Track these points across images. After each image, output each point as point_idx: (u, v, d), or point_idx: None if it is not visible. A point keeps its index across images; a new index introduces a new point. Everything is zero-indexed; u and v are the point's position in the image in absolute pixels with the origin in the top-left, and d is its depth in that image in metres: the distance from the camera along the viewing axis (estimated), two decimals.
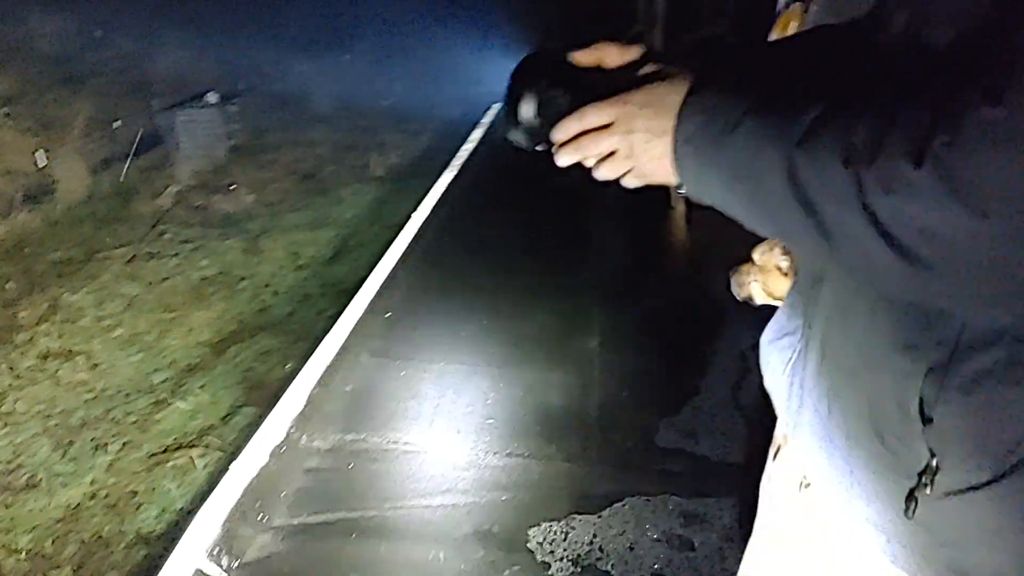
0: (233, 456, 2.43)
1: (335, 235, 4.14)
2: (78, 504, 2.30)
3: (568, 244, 3.85)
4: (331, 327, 3.13)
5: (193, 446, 2.53)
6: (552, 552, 2.11)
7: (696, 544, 2.11)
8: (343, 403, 2.74)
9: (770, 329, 0.98)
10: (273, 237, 4.10)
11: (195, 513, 2.18)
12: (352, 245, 4.00)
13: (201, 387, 2.82)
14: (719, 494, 2.28)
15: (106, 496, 2.33)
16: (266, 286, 3.58)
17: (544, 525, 2.19)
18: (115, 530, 2.21)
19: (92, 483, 2.38)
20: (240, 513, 2.22)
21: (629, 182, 0.78)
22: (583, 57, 0.77)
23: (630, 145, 0.73)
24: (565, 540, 2.15)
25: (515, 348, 3.02)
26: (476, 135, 5.48)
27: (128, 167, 4.96)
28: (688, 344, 3.01)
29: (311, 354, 2.96)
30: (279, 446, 2.48)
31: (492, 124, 5.73)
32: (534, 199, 4.37)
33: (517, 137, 0.79)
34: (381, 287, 3.46)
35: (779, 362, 0.93)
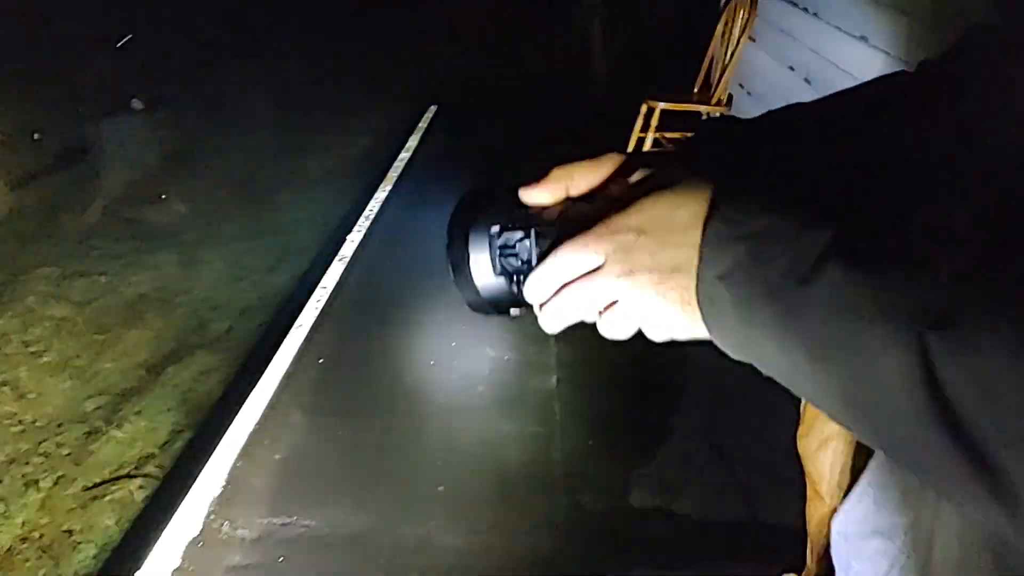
0: (169, 491, 2.26)
1: (274, 243, 4.01)
2: (9, 548, 2.16)
3: None
4: (269, 354, 2.90)
5: (131, 477, 2.40)
6: None
7: None
8: (270, 477, 2.35)
9: (848, 515, 0.73)
10: (209, 248, 3.95)
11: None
12: (292, 253, 3.87)
13: (137, 413, 2.69)
14: (706, 562, 2.09)
15: (40, 537, 2.20)
16: (203, 301, 3.44)
17: None
18: (51, 575, 2.08)
19: (23, 524, 2.24)
20: None
21: (653, 336, 0.51)
22: (538, 195, 0.55)
23: (633, 291, 0.49)
24: None
25: (467, 394, 2.74)
26: (413, 142, 5.36)
27: (51, 181, 4.74)
28: (653, 380, 2.82)
29: (231, 417, 2.58)
30: (196, 539, 2.12)
31: (428, 129, 5.61)
32: None
33: (479, 305, 0.60)
34: (312, 328, 3.11)
35: (868, 572, 0.70)
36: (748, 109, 4.64)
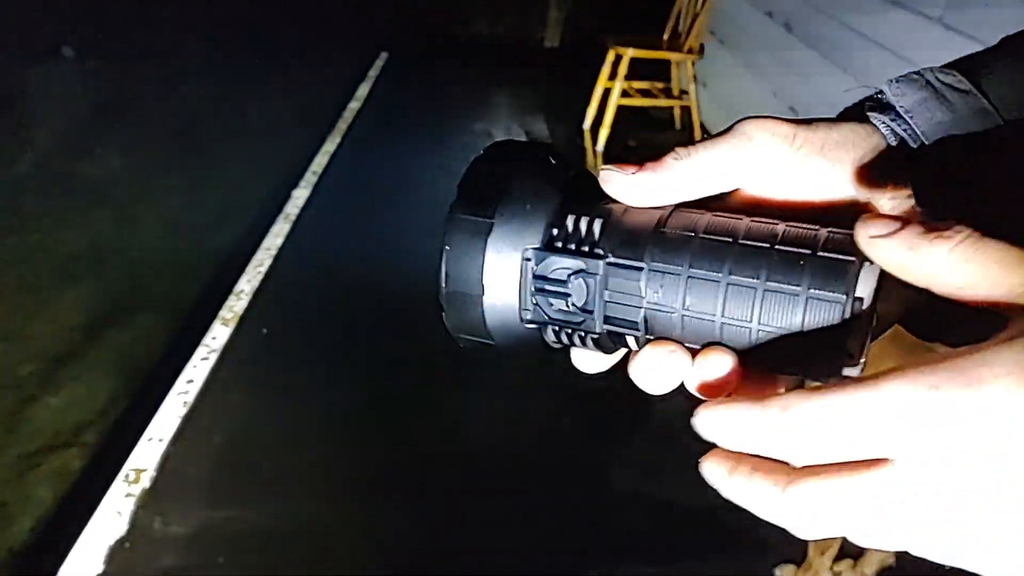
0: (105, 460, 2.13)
1: (215, 199, 3.87)
2: None
3: None
4: (208, 324, 2.71)
5: (68, 446, 2.31)
6: None
7: None
8: (208, 465, 2.13)
9: None
10: (146, 205, 3.80)
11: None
12: (235, 209, 3.74)
13: (74, 378, 2.59)
14: (698, 554, 1.98)
15: None
16: (141, 261, 3.31)
17: None
18: None
19: None
20: None
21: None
22: (642, 191, 0.36)
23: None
24: None
25: (431, 372, 2.52)
26: (363, 91, 5.21)
27: None
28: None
29: (163, 395, 2.35)
30: (122, 540, 1.89)
31: (378, 79, 5.44)
32: (433, 164, 4.21)
33: (483, 348, 0.38)
34: (255, 293, 2.90)
35: None
36: (722, 59, 4.59)
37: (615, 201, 0.36)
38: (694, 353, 0.34)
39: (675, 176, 0.35)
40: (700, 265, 0.32)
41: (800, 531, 0.30)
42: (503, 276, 0.35)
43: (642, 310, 0.33)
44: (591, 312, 0.34)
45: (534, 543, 2.02)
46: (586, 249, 0.34)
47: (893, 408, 0.26)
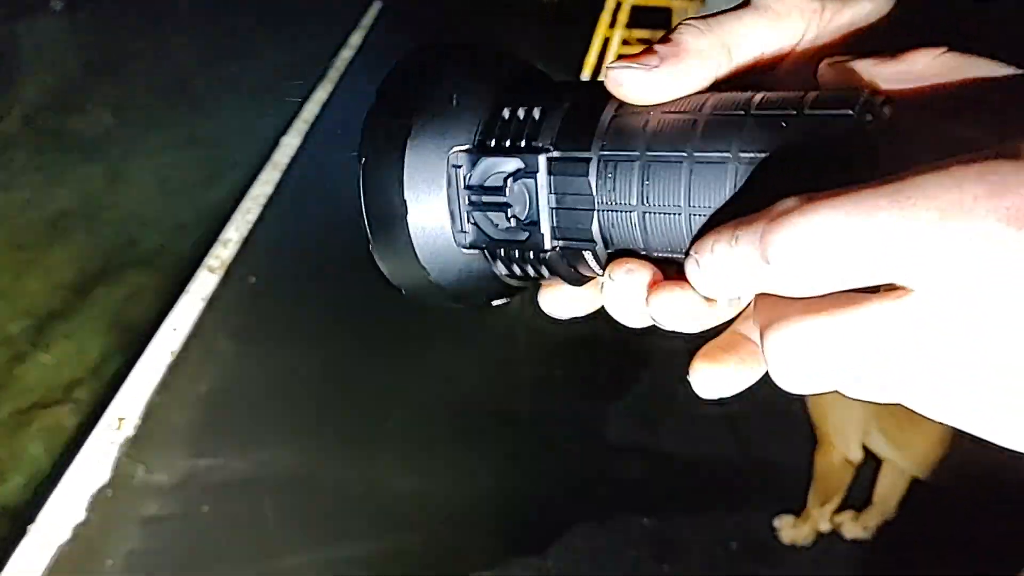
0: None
1: (206, 155, 3.81)
2: None
3: None
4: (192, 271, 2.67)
5: (60, 403, 2.29)
6: None
7: None
8: (193, 413, 2.10)
9: None
10: (138, 161, 3.75)
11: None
12: (226, 166, 3.69)
13: (65, 335, 2.56)
14: (691, 505, 1.94)
15: None
16: (133, 217, 3.27)
17: None
18: None
19: None
20: None
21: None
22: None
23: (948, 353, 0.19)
24: None
25: (422, 318, 2.41)
26: (356, 39, 5.12)
27: None
28: None
29: (145, 343, 2.32)
30: (104, 488, 1.86)
31: (372, 28, 5.35)
32: None
33: (426, 293, 0.32)
34: (243, 241, 2.86)
35: None
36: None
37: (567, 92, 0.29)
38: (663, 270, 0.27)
39: (698, 61, 0.27)
40: (659, 146, 0.25)
41: (783, 375, 0.22)
42: (429, 188, 0.29)
43: (594, 213, 0.26)
44: (536, 224, 0.27)
45: (527, 492, 2.01)
46: (523, 144, 0.28)
47: (924, 227, 0.19)
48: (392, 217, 0.30)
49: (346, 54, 4.86)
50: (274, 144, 3.75)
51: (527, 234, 0.28)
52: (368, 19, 5.49)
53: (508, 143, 0.28)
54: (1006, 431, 0.20)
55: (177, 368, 2.28)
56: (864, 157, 0.22)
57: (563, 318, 0.33)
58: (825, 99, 0.23)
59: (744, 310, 0.28)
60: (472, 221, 0.29)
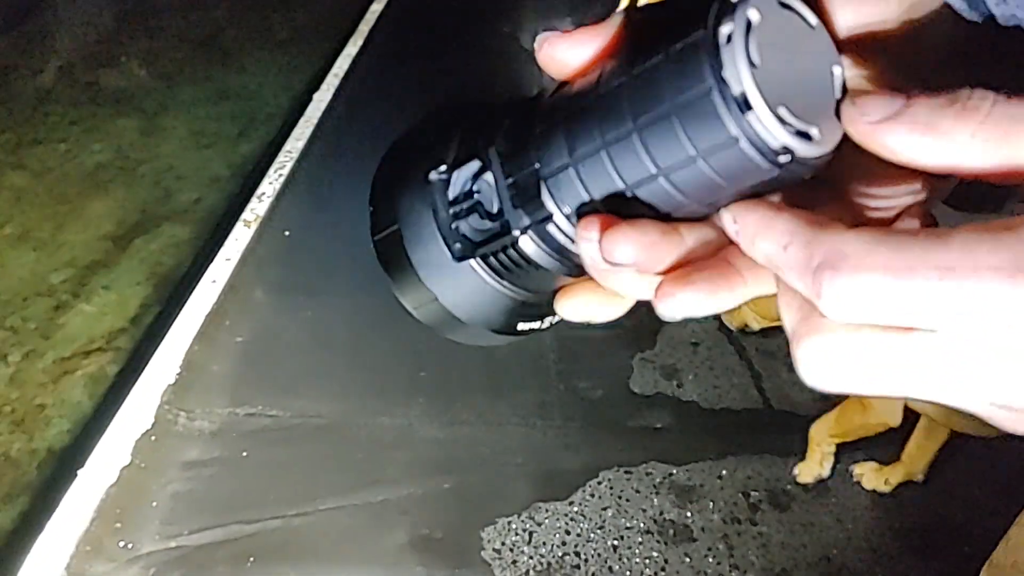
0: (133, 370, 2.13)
1: (240, 108, 3.83)
2: None
3: None
4: (230, 227, 2.69)
5: (102, 351, 2.36)
6: (515, 562, 1.70)
7: (695, 531, 1.77)
8: (232, 363, 2.15)
9: None
10: (172, 114, 3.78)
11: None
12: (260, 119, 3.71)
13: (105, 286, 2.62)
14: (715, 454, 1.96)
15: (11, 411, 2.18)
16: (169, 169, 3.31)
17: (501, 523, 1.78)
18: (24, 448, 2.06)
19: None
20: (91, 540, 1.70)
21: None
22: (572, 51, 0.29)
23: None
24: (529, 543, 1.74)
25: None
26: None
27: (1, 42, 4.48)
28: None
29: (186, 295, 2.37)
30: (147, 433, 1.93)
31: None
32: (458, 66, 4.11)
33: (446, 323, 0.36)
34: (277, 195, 2.88)
35: None
36: None
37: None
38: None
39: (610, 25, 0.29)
40: (575, 124, 0.27)
41: (812, 379, 0.24)
42: (420, 215, 0.32)
43: (541, 182, 0.28)
44: (502, 212, 0.30)
45: (554, 440, 2.05)
46: (480, 146, 0.31)
47: (967, 295, 0.21)
48: (395, 248, 0.33)
49: (376, 7, 4.83)
50: (306, 99, 3.76)
51: (500, 224, 0.30)
52: None
53: (470, 152, 0.31)
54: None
55: (215, 320, 2.32)
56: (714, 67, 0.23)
57: (586, 321, 0.33)
58: (683, 29, 0.24)
59: (723, 242, 0.28)
60: (459, 233, 0.31)
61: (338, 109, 3.64)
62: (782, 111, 0.24)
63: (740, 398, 2.14)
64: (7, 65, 4.29)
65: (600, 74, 0.27)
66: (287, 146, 3.29)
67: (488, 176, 0.30)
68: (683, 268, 0.28)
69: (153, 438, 1.96)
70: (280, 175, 3.08)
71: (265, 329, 2.34)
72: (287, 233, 2.78)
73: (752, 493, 1.88)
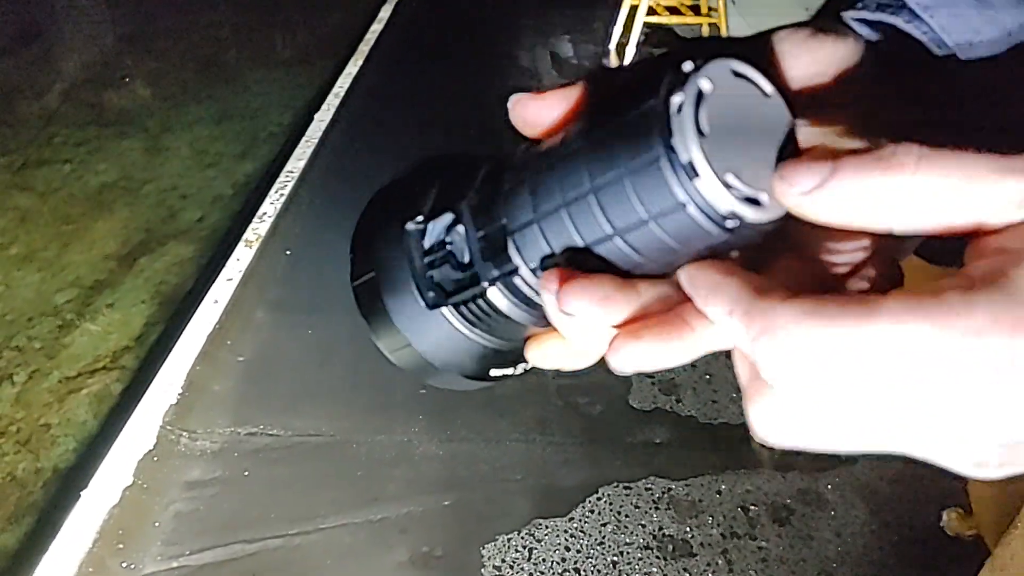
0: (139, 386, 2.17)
1: (243, 128, 3.87)
2: None
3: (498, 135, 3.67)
4: (232, 247, 2.73)
5: (107, 370, 2.38)
6: None
7: (695, 547, 1.78)
8: (233, 382, 2.18)
9: None
10: (175, 134, 3.82)
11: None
12: (263, 138, 3.75)
13: (110, 305, 2.65)
14: (714, 469, 1.97)
15: (17, 431, 2.20)
16: (172, 189, 3.34)
17: (501, 540, 1.79)
18: (30, 468, 2.08)
19: (0, 419, 2.23)
20: (94, 561, 1.71)
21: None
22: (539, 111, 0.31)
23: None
24: (529, 559, 1.75)
25: None
26: (385, 13, 5.12)
27: (5, 64, 4.53)
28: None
29: (189, 314, 2.41)
30: (149, 453, 1.95)
31: (402, 1, 5.34)
32: (458, 85, 4.15)
33: (420, 368, 0.37)
34: (278, 216, 2.93)
35: None
36: None
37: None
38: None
39: (576, 88, 0.31)
40: (539, 183, 0.29)
41: (762, 432, 0.26)
42: (396, 263, 0.33)
43: (507, 238, 0.30)
44: (472, 264, 0.31)
45: (553, 457, 2.05)
46: (455, 199, 0.32)
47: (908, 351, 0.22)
48: (372, 294, 0.34)
49: (376, 27, 4.87)
50: (307, 119, 3.79)
51: (468, 277, 0.31)
52: None
53: (445, 204, 0.32)
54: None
55: (217, 339, 2.35)
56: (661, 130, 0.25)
57: (555, 369, 0.34)
58: (640, 95, 0.26)
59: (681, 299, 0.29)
60: (433, 282, 0.33)
61: (339, 129, 3.67)
62: (730, 178, 0.25)
63: (739, 413, 2.13)
64: (12, 87, 4.34)
65: (565, 135, 0.29)
66: (288, 166, 3.32)
67: (461, 228, 0.31)
68: (636, 323, 0.28)
69: (155, 458, 1.97)
70: (281, 195, 3.11)
71: (266, 348, 2.36)
72: (288, 252, 2.81)
73: (751, 508, 1.88)
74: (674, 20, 4.56)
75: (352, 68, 4.30)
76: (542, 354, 0.34)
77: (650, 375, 2.27)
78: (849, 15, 0.30)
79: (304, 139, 3.55)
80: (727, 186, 0.25)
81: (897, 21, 0.29)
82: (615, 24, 4.55)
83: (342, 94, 4.00)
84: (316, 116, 3.75)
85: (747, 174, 0.25)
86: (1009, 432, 0.22)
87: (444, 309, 0.33)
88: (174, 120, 3.96)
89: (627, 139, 0.26)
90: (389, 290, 0.34)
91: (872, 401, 0.23)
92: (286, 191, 3.13)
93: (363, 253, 0.35)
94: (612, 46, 4.58)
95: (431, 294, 0.33)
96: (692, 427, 2.12)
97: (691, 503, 1.90)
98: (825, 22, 0.31)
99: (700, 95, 0.25)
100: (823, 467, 2.03)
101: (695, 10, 4.68)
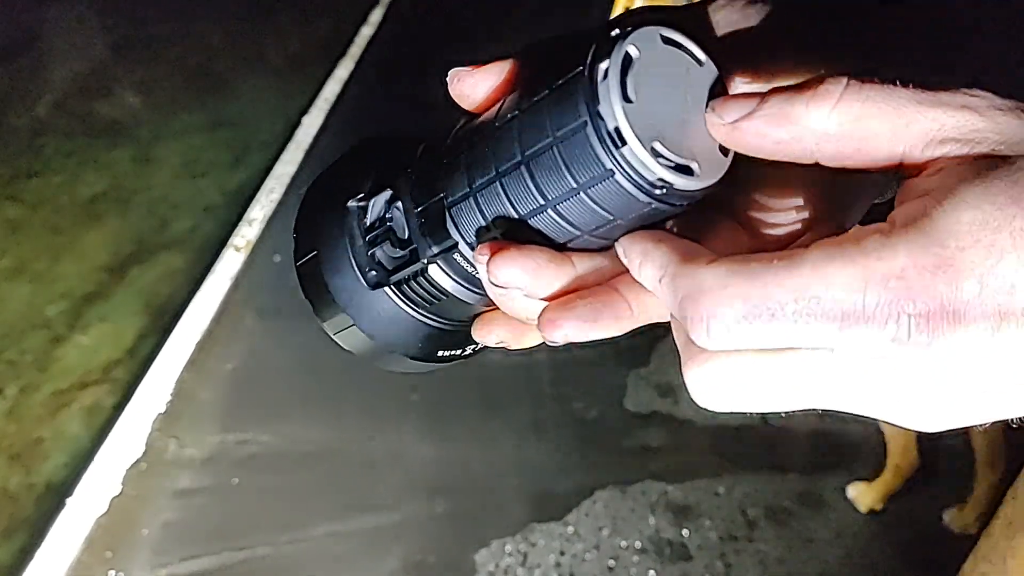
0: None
1: (234, 136, 3.85)
2: None
3: None
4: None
5: (99, 383, 2.36)
6: None
7: (692, 549, 1.76)
8: (222, 390, 2.17)
9: None
10: (166, 143, 3.80)
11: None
12: (254, 146, 3.73)
13: (101, 317, 2.63)
14: (711, 472, 1.95)
15: (9, 446, 2.17)
16: (163, 199, 3.32)
17: (494, 545, 1.77)
18: (23, 482, 2.06)
19: None
20: (82, 570, 1.71)
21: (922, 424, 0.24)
22: (473, 87, 0.31)
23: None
24: (524, 564, 1.73)
25: None
26: (376, 16, 5.11)
27: None
28: None
29: (173, 323, 2.40)
30: (138, 462, 1.94)
31: (392, 4, 5.34)
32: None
33: (367, 350, 0.35)
34: (267, 221, 2.92)
35: None
36: None
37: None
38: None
39: (498, 67, 0.32)
40: (474, 156, 0.28)
41: (699, 397, 0.26)
42: (337, 242, 0.33)
43: (445, 212, 0.29)
44: (411, 240, 0.31)
45: (548, 460, 2.04)
46: (394, 176, 0.32)
47: (842, 307, 0.22)
48: (314, 274, 0.34)
49: (366, 31, 4.86)
50: (296, 123, 3.78)
51: (408, 253, 0.31)
52: None
53: (385, 181, 0.32)
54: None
55: (206, 346, 2.34)
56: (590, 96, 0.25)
57: (501, 347, 0.34)
58: (567, 66, 0.26)
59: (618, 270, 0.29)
60: (375, 260, 0.32)
61: (328, 133, 3.66)
62: (658, 146, 0.25)
63: (736, 415, 2.12)
64: (1, 98, 4.31)
65: (499, 108, 0.29)
66: (277, 171, 3.31)
67: (400, 204, 0.31)
68: (567, 296, 0.29)
69: (144, 466, 1.96)
70: (271, 200, 3.10)
71: (255, 355, 2.35)
72: (277, 258, 2.79)
73: (749, 510, 1.87)
74: None
75: (342, 72, 4.29)
76: (488, 332, 0.34)
77: (646, 377, 2.26)
78: None
79: (293, 143, 3.54)
80: (655, 153, 0.25)
81: None
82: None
83: (332, 99, 3.99)
84: (305, 120, 3.74)
85: (677, 141, 0.25)
86: (937, 381, 0.22)
87: (387, 289, 0.33)
88: (164, 129, 3.94)
89: (554, 108, 0.26)
90: (330, 269, 0.33)
91: (801, 355, 0.23)
92: (275, 196, 3.12)
93: (305, 232, 0.35)
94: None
95: (372, 273, 0.32)
96: (689, 430, 2.10)
97: (688, 506, 1.89)
98: None
99: (628, 61, 0.25)
100: (822, 468, 2.01)
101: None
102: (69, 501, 1.87)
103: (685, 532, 1.82)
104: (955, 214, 0.21)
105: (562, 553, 1.76)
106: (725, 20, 0.30)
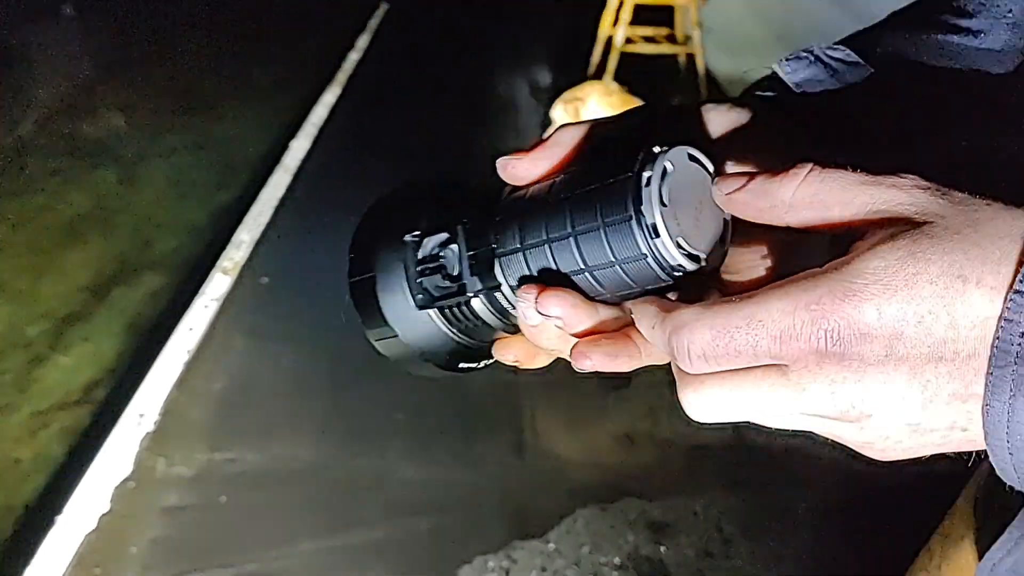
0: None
1: (218, 157, 3.87)
2: None
3: (475, 163, 3.70)
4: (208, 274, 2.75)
5: (79, 403, 2.36)
6: None
7: (670, 566, 1.80)
8: (210, 409, 2.21)
9: (1000, 566, 0.52)
10: (151, 163, 3.81)
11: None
12: (239, 167, 3.75)
13: (83, 337, 2.62)
14: (688, 491, 1.99)
15: None
16: (147, 219, 3.33)
17: (478, 562, 1.80)
18: (1, 506, 2.05)
19: None
20: None
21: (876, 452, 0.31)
22: (529, 169, 0.39)
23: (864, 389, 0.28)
24: None
25: None
26: (363, 42, 5.16)
27: None
28: None
29: (162, 343, 2.43)
30: (126, 480, 1.95)
31: (379, 29, 5.39)
32: (435, 115, 4.17)
33: (407, 358, 0.43)
34: (255, 243, 2.95)
35: None
36: (726, 3, 4.50)
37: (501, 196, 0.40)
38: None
39: (559, 149, 0.39)
40: (527, 220, 0.37)
41: (694, 415, 0.33)
42: (392, 267, 0.41)
43: (496, 259, 0.37)
44: (461, 277, 0.39)
45: (530, 478, 2.07)
46: (450, 220, 0.40)
47: (779, 327, 0.29)
48: (367, 292, 0.41)
49: (353, 56, 4.90)
50: (284, 147, 3.80)
51: (457, 287, 0.39)
52: (375, 21, 5.52)
53: (440, 224, 0.40)
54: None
55: (194, 366, 2.36)
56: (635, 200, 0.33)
57: (514, 365, 0.43)
58: (618, 166, 0.34)
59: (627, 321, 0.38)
60: (423, 287, 0.40)
61: (316, 157, 3.68)
62: (680, 240, 0.33)
63: (714, 435, 2.16)
64: None
65: (551, 186, 0.37)
66: (265, 194, 3.33)
67: (453, 246, 0.39)
68: (594, 335, 0.37)
69: (132, 485, 1.97)
70: (259, 223, 3.11)
71: (243, 375, 2.37)
72: (264, 280, 2.81)
73: (725, 527, 1.90)
74: (650, 49, 4.61)
75: (330, 97, 4.32)
76: (507, 351, 0.42)
77: (627, 398, 2.29)
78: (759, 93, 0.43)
79: (281, 167, 3.56)
80: (678, 246, 0.33)
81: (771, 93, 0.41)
82: (592, 53, 4.61)
83: (320, 122, 4.02)
84: (293, 144, 3.76)
85: (692, 236, 0.34)
86: (859, 397, 0.28)
87: (430, 311, 0.41)
88: (149, 149, 3.95)
89: (606, 200, 0.34)
90: (384, 290, 0.41)
91: (763, 372, 0.30)
92: (263, 219, 3.14)
93: (362, 255, 0.42)
94: (590, 73, 4.63)
95: (420, 296, 0.40)
96: (668, 450, 2.15)
97: (666, 523, 1.92)
98: (741, 98, 0.42)
99: (664, 173, 0.33)
100: (797, 486, 2.04)
101: (671, 39, 4.75)
102: (58, 519, 1.87)
103: (663, 549, 1.86)
104: (866, 261, 0.28)
105: (543, 569, 1.80)
106: (715, 119, 0.40)
